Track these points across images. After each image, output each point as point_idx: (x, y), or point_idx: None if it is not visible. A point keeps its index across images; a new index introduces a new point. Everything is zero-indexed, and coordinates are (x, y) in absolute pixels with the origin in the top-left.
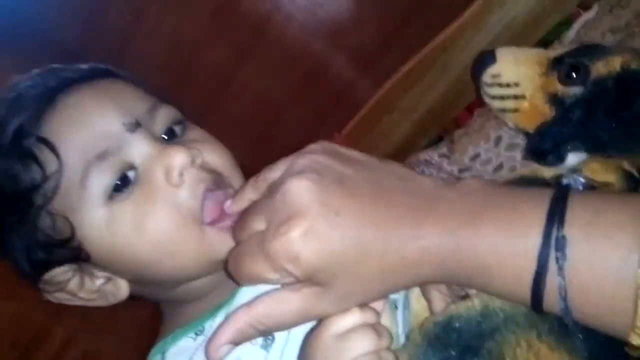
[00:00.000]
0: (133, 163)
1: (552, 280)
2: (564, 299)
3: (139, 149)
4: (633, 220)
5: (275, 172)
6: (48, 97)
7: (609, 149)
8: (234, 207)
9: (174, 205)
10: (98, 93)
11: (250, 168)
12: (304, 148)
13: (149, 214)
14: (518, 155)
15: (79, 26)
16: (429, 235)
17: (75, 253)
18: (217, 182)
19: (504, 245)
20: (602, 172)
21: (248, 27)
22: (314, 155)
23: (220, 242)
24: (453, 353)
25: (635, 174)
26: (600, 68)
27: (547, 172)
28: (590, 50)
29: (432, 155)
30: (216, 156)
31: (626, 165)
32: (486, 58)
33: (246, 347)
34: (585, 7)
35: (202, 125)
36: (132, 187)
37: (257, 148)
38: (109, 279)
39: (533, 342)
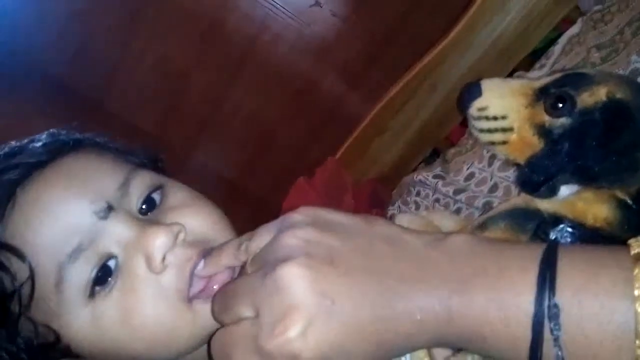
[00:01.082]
0: (111, 252)
1: (548, 347)
2: None
3: (115, 236)
4: (625, 281)
5: (257, 241)
6: (7, 195)
7: (600, 180)
8: (205, 271)
9: (160, 293)
10: (60, 179)
11: (243, 188)
12: (287, 216)
13: (136, 307)
14: (512, 174)
15: (68, 59)
16: (422, 309)
17: (64, 353)
18: (205, 251)
19: (497, 314)
20: (596, 202)
21: (235, 49)
22: (299, 231)
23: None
24: None
25: (629, 201)
26: (586, 98)
27: (541, 203)
28: (574, 80)
29: (427, 175)
30: (201, 221)
31: (619, 194)
32: (472, 91)
33: None
34: (571, 21)
35: (196, 148)
36: (114, 279)
37: (251, 168)
38: None
39: None
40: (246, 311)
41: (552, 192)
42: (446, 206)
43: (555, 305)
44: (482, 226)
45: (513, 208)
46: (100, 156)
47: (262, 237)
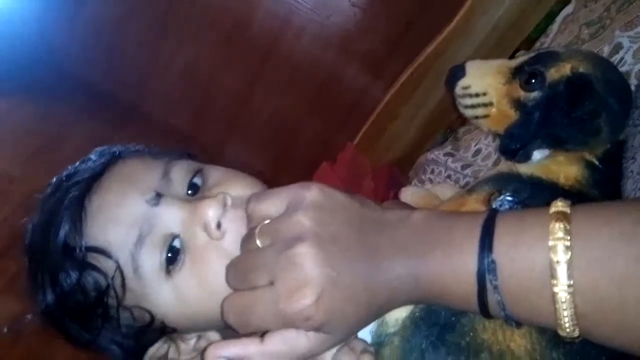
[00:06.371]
0: (173, 232)
1: (492, 297)
2: (504, 309)
3: (170, 218)
4: (543, 236)
5: (265, 206)
6: (78, 208)
7: (568, 144)
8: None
9: (225, 257)
10: (114, 183)
11: (275, 181)
12: (299, 192)
13: (208, 273)
14: None
15: (101, 63)
16: (396, 278)
17: (161, 330)
18: None
19: (450, 275)
20: (566, 163)
21: (260, 47)
22: (309, 212)
23: None
24: (434, 331)
25: (596, 162)
26: (554, 73)
27: (521, 167)
28: (544, 58)
29: (439, 154)
30: (243, 188)
31: (587, 155)
32: (456, 72)
33: None
34: (565, 2)
35: (227, 145)
36: (182, 254)
37: (278, 161)
38: (199, 337)
39: None
40: (262, 281)
41: (527, 156)
42: (456, 181)
43: (493, 261)
44: (471, 190)
45: (497, 173)
46: (141, 157)
47: (272, 203)
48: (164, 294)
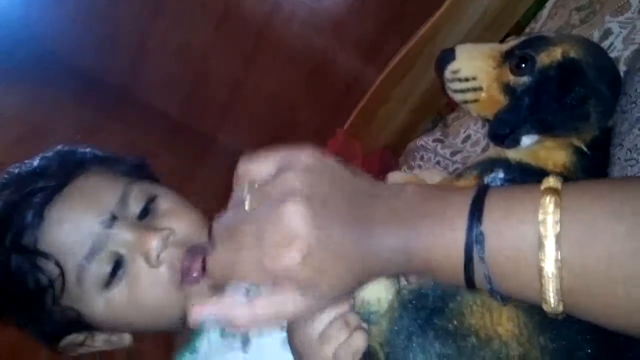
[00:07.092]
0: (118, 252)
1: (478, 268)
2: (489, 282)
3: (119, 240)
4: (534, 211)
5: (260, 166)
6: (39, 215)
7: (557, 129)
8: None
9: (157, 283)
10: (75, 200)
11: None
12: (292, 155)
13: (140, 294)
14: None
15: (93, 50)
16: (387, 249)
17: (84, 326)
18: (190, 248)
19: (440, 249)
20: (555, 149)
21: (251, 32)
22: (302, 174)
23: (197, 292)
24: (422, 314)
25: (583, 147)
26: (544, 58)
27: (510, 153)
28: (535, 42)
29: (428, 140)
30: (186, 224)
31: (575, 141)
32: (446, 56)
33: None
34: None
35: (220, 130)
36: (122, 273)
37: (271, 146)
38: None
39: (485, 299)
40: (249, 238)
41: (516, 142)
42: (446, 167)
43: (481, 233)
44: (459, 176)
45: (485, 158)
46: (102, 174)
47: (264, 164)
48: (98, 304)
